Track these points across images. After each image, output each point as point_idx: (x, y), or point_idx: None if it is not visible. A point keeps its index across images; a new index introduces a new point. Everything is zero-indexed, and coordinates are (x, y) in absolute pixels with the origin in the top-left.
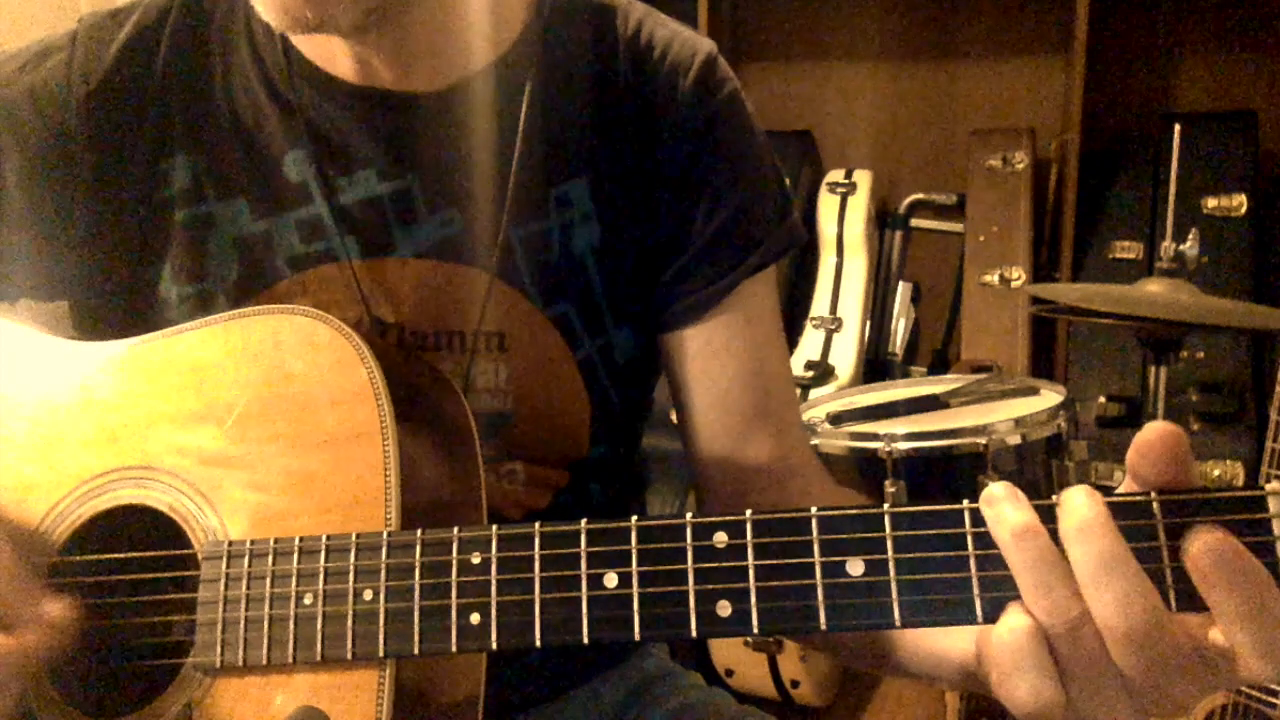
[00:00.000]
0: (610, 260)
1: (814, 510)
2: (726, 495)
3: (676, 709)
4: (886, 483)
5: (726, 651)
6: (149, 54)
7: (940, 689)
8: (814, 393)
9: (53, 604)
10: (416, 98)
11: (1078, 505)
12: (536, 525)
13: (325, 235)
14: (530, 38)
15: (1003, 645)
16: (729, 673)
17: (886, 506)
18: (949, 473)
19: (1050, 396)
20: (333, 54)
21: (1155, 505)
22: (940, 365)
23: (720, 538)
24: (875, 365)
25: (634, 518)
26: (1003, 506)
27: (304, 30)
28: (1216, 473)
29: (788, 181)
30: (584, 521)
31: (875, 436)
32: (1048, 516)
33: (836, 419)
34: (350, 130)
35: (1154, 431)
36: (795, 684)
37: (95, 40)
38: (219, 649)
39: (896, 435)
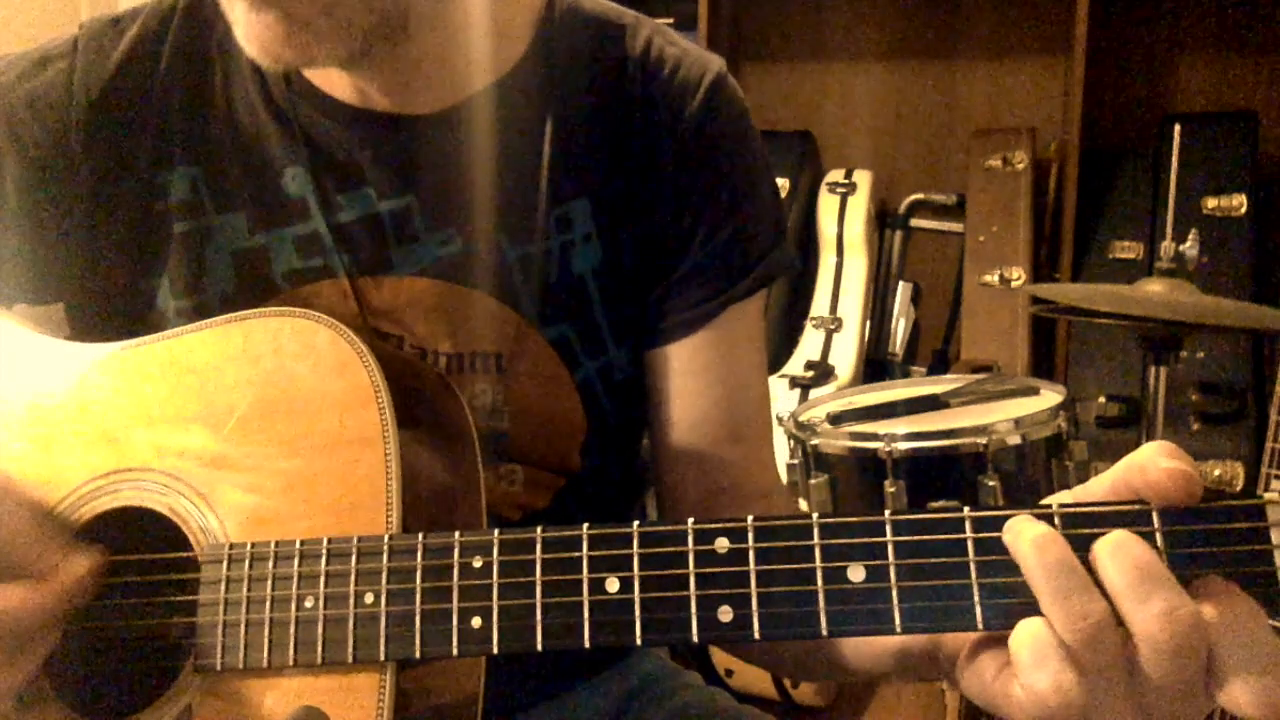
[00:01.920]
0: (611, 281)
1: (816, 516)
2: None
3: (676, 709)
4: (886, 483)
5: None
6: (150, 65)
7: (939, 689)
8: (814, 393)
9: (79, 556)
10: (416, 120)
11: (1105, 537)
12: (538, 530)
13: (323, 251)
14: (533, 57)
15: (1022, 641)
16: (729, 673)
17: (888, 513)
18: (949, 473)
19: (1050, 396)
20: (330, 77)
21: (1155, 515)
22: (940, 365)
23: (722, 543)
24: (875, 365)
25: (636, 523)
26: (1020, 523)
27: (284, 68)
28: (1217, 473)
29: (787, 184)
30: (586, 526)
31: (875, 436)
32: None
33: (836, 419)
34: (349, 149)
35: (1168, 474)
36: (795, 684)
37: (96, 49)
38: (219, 651)
39: (896, 435)
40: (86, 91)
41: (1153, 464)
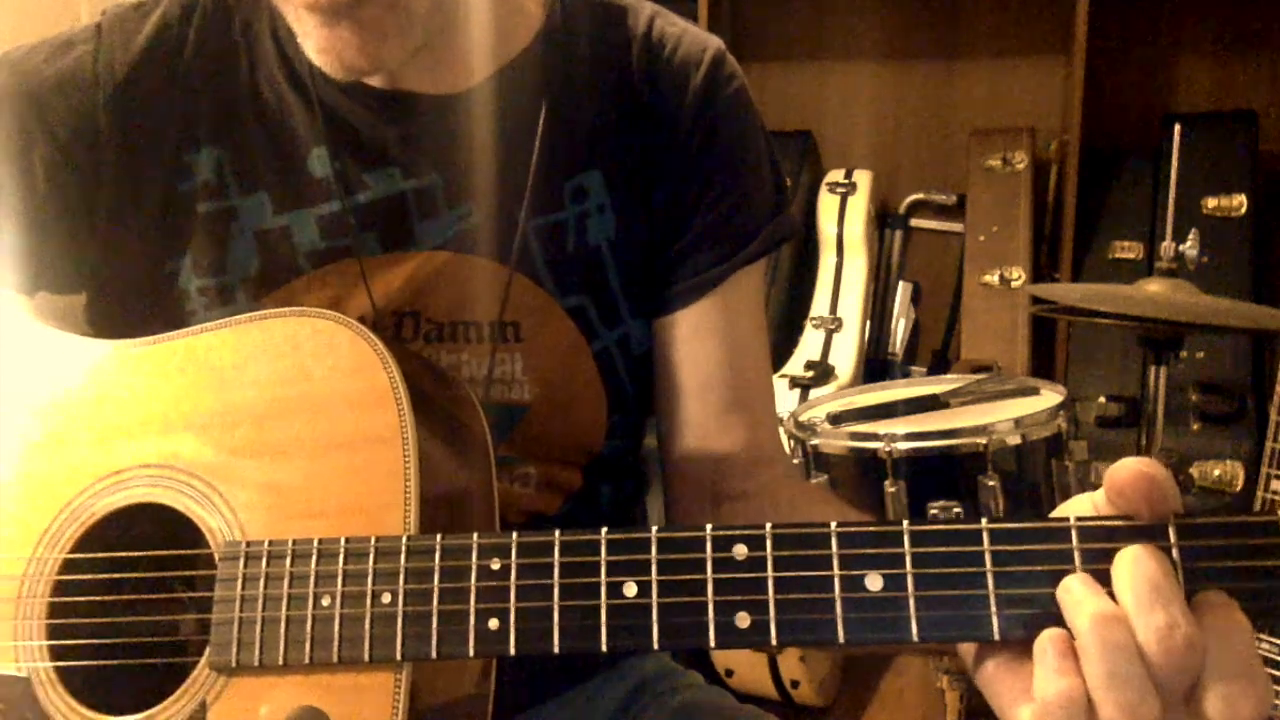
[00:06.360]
0: (626, 251)
1: (834, 525)
2: (696, 481)
3: (676, 709)
4: (886, 483)
5: (727, 652)
6: (176, 47)
7: (939, 689)
8: (814, 393)
9: None
10: (440, 99)
11: (1126, 549)
12: (556, 533)
13: (345, 231)
14: (544, 37)
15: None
16: (729, 673)
17: (906, 523)
18: (949, 473)
19: (1050, 396)
20: None
21: (1171, 530)
22: (940, 365)
23: (740, 550)
24: (875, 365)
25: (654, 528)
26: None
27: (358, 76)
28: (1217, 473)
29: (787, 181)
30: (604, 531)
31: (875, 436)
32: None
33: (836, 419)
34: (374, 129)
35: (1127, 471)
36: (795, 684)
37: (121, 32)
38: (234, 649)
39: (896, 435)
40: (112, 72)
41: (1113, 476)
